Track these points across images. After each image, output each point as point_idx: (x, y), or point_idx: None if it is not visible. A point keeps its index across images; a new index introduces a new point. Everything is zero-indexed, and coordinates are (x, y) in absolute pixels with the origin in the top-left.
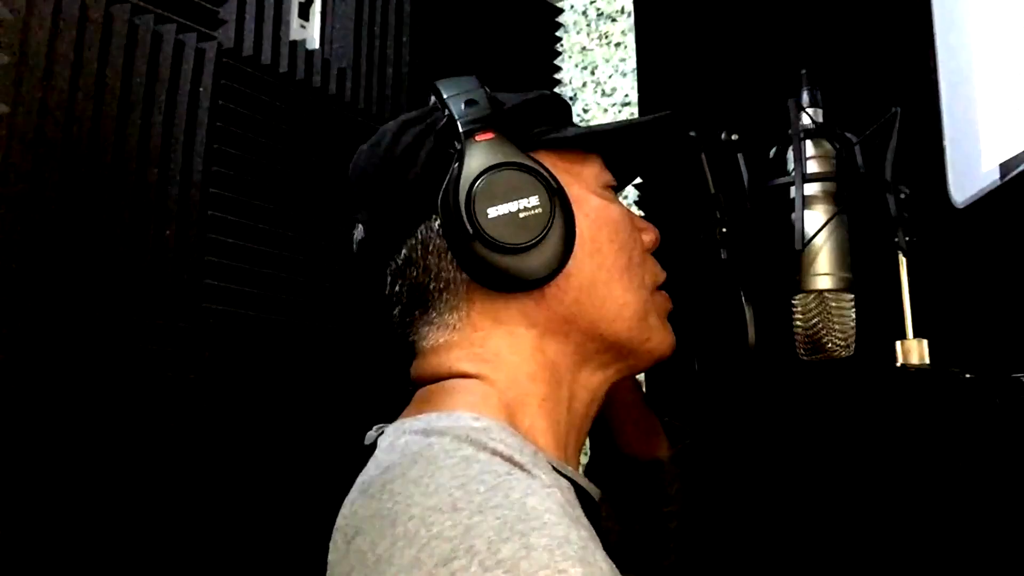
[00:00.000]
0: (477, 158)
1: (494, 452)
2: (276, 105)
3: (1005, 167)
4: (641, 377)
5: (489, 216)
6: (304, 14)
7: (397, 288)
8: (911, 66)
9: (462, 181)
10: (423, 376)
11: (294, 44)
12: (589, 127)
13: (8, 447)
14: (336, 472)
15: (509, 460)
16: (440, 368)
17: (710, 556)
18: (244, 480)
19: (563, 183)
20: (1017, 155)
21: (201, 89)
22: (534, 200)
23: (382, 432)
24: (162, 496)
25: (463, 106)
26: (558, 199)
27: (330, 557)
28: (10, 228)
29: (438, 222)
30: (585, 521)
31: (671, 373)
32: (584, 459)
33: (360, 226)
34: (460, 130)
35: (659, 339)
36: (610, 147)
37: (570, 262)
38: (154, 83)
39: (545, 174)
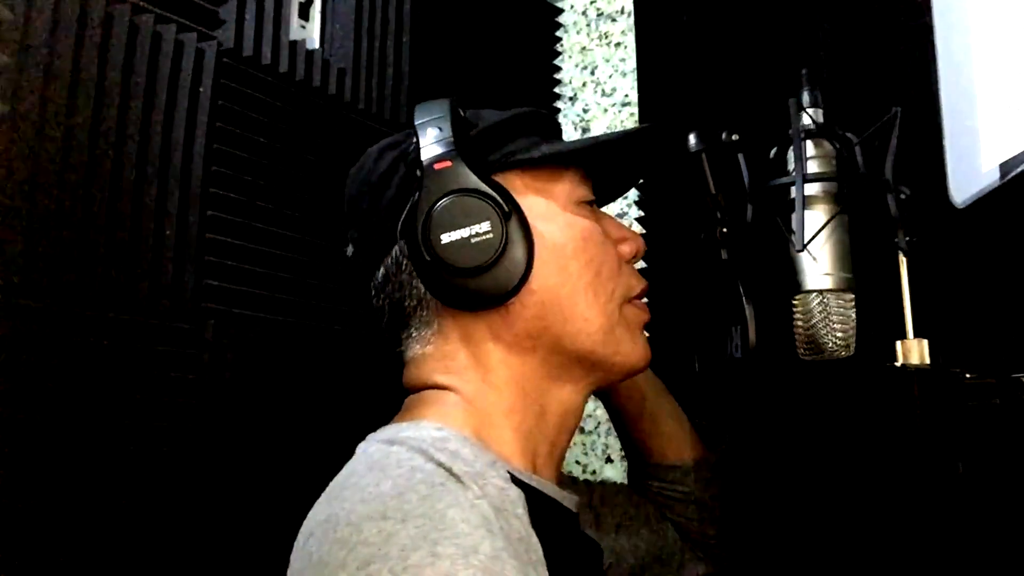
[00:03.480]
0: (433, 186)
1: (439, 463)
2: (276, 105)
3: (1005, 167)
4: None
5: (443, 242)
6: (304, 14)
7: (380, 303)
8: (911, 66)
9: (420, 209)
10: (408, 386)
11: (294, 44)
12: (560, 145)
13: (8, 447)
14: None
15: (448, 471)
16: (419, 379)
17: (712, 557)
18: (245, 480)
19: (530, 202)
20: (1017, 155)
21: (201, 89)
22: (485, 226)
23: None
24: (162, 496)
25: (427, 133)
26: (514, 220)
27: (292, 555)
28: (10, 227)
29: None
30: (521, 533)
31: (671, 373)
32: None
33: (350, 244)
34: (420, 158)
35: (627, 351)
36: (584, 163)
37: (534, 279)
38: (154, 83)
39: (498, 199)
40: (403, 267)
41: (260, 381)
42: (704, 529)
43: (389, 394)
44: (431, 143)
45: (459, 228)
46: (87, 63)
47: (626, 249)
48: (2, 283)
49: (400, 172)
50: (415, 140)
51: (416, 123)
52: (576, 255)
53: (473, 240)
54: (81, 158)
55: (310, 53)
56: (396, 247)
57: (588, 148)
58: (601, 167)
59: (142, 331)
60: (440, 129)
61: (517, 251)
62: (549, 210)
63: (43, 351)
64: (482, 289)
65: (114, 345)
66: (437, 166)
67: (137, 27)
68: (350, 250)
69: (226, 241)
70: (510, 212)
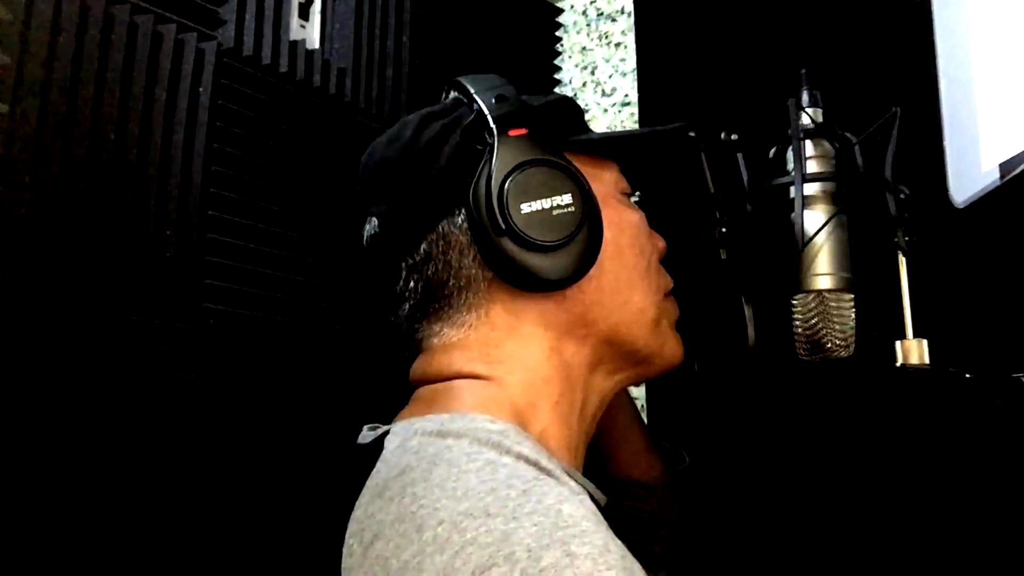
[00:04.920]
0: (510, 153)
1: (518, 456)
2: (276, 105)
3: (1005, 167)
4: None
5: (522, 212)
6: (304, 14)
7: (412, 284)
8: (911, 66)
9: (495, 175)
10: (427, 375)
11: (294, 44)
12: (611, 132)
13: (8, 447)
14: (336, 473)
15: (535, 465)
16: (448, 368)
17: (708, 559)
18: (244, 480)
19: (591, 184)
20: (1017, 155)
21: (201, 89)
22: (567, 198)
23: (383, 432)
24: (162, 496)
25: (494, 101)
26: (589, 200)
27: (345, 563)
28: (10, 227)
29: (462, 217)
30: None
31: (671, 375)
32: None
33: (374, 219)
34: (492, 125)
35: (672, 347)
36: (631, 154)
37: (595, 263)
38: (154, 83)
39: (578, 174)
40: (453, 243)
41: (260, 381)
42: (660, 548)
43: (391, 392)
44: (501, 112)
45: (542, 198)
46: (87, 63)
47: (660, 244)
48: (2, 283)
49: (453, 140)
50: (475, 108)
51: (474, 91)
52: (632, 243)
53: (555, 212)
54: (81, 158)
55: (310, 53)
56: (446, 220)
57: (642, 137)
58: (637, 162)
59: (142, 331)
60: (507, 98)
61: (592, 231)
62: (604, 196)
63: (43, 351)
64: (553, 267)
65: (114, 345)
66: (512, 133)
67: (137, 27)
68: (372, 228)
69: (226, 241)
70: (589, 188)
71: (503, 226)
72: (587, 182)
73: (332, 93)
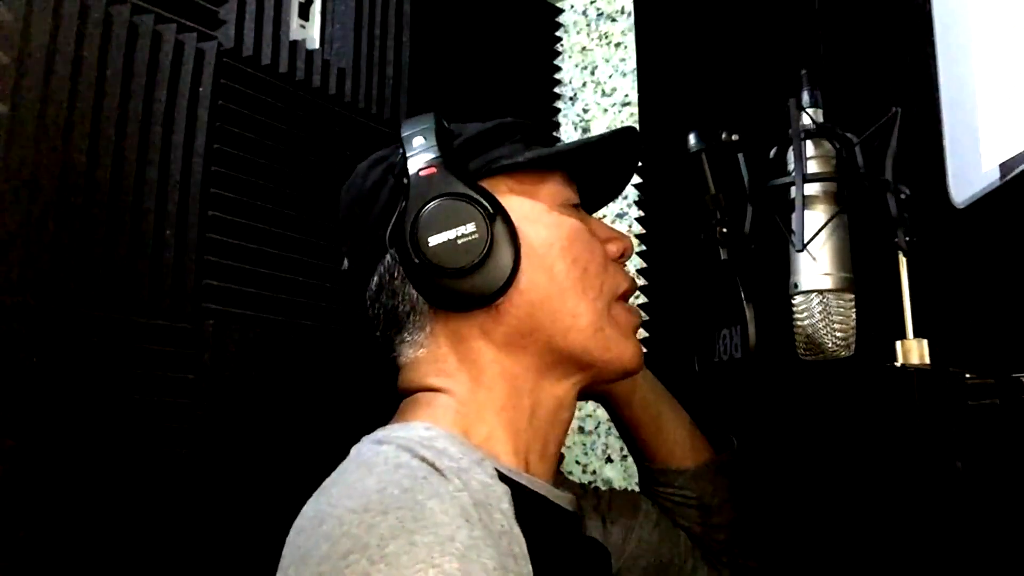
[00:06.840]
0: (420, 192)
1: (422, 459)
2: (276, 105)
3: (1005, 167)
4: None
5: (430, 244)
6: (304, 14)
7: (375, 312)
8: (911, 66)
9: (407, 214)
10: (402, 390)
11: (294, 44)
12: (542, 150)
13: (8, 447)
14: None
15: (431, 466)
16: (413, 383)
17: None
18: (244, 480)
19: (515, 204)
20: (1017, 155)
21: (201, 89)
22: (470, 227)
23: None
24: (161, 496)
25: (413, 143)
26: (499, 220)
27: (283, 551)
28: (10, 227)
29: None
30: (504, 526)
31: (671, 374)
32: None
33: (344, 257)
34: (407, 167)
35: (619, 351)
36: (565, 166)
37: (522, 277)
38: (154, 83)
39: (482, 200)
40: (395, 274)
41: (260, 381)
42: (713, 534)
43: (387, 395)
44: (417, 153)
45: (445, 230)
46: (87, 63)
47: (613, 248)
48: (2, 283)
49: (389, 183)
50: (401, 151)
51: (402, 135)
52: (563, 254)
53: (460, 241)
54: (81, 158)
55: (310, 53)
56: (388, 255)
57: (568, 151)
58: (585, 170)
59: (142, 331)
60: (424, 139)
61: (503, 251)
62: (535, 211)
63: (43, 351)
64: (470, 289)
65: (114, 345)
66: (423, 173)
67: (137, 27)
68: (345, 263)
69: (226, 241)
70: (495, 213)
71: (416, 260)
72: (495, 205)
73: (332, 93)
